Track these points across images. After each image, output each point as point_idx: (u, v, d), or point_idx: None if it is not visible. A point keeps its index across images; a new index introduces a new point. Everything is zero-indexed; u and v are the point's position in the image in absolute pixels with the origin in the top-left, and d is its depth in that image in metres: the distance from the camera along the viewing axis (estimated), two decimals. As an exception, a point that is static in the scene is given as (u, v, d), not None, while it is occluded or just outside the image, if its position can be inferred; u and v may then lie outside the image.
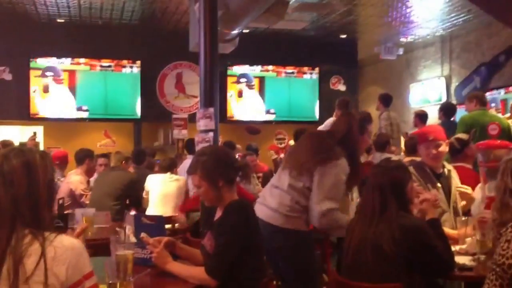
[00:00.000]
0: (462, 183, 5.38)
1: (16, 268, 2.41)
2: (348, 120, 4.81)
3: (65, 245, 2.53)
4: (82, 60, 15.12)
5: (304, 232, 4.67)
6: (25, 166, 2.58)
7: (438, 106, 11.23)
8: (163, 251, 3.83)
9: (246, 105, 16.57)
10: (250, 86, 16.55)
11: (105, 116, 15.40)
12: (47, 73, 14.76)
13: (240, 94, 16.47)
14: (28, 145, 8.11)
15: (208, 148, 4.85)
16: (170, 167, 8.52)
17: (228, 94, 16.29)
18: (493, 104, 12.84)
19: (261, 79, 16.71)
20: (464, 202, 5.22)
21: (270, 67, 16.69)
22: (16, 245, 2.46)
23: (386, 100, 11.43)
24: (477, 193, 5.34)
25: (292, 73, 16.87)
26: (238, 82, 16.43)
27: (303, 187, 4.60)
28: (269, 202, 4.65)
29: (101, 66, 15.27)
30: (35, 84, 14.65)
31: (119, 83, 15.39)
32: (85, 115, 15.15)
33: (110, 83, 15.27)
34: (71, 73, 15.07)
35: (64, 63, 14.95)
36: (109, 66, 15.32)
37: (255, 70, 16.62)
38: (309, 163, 4.57)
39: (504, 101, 12.94)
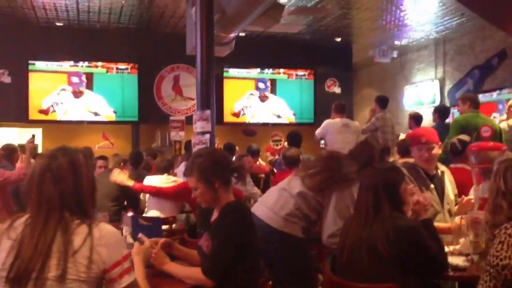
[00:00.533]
0: (462, 184, 5.38)
1: (65, 244, 2.70)
2: (370, 150, 4.90)
3: (108, 229, 2.85)
4: (99, 63, 15.23)
5: (298, 238, 4.68)
6: (70, 164, 2.87)
7: (432, 108, 11.26)
8: (160, 252, 3.82)
9: (266, 107, 16.72)
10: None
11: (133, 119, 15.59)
12: (73, 78, 14.83)
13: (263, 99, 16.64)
14: (26, 146, 8.07)
15: (204, 150, 4.83)
16: (166, 168, 8.51)
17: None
18: (500, 106, 12.83)
19: (273, 82, 16.78)
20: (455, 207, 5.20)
21: (281, 70, 16.76)
22: (65, 226, 2.75)
23: (382, 102, 11.45)
24: (472, 194, 5.34)
25: (304, 75, 16.91)
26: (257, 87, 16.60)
27: (312, 197, 4.63)
28: (270, 203, 4.66)
29: (117, 68, 15.30)
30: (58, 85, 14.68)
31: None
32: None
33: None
34: (89, 76, 15.20)
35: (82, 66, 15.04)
36: (126, 69, 15.36)
37: (267, 73, 16.68)
38: (329, 183, 4.61)
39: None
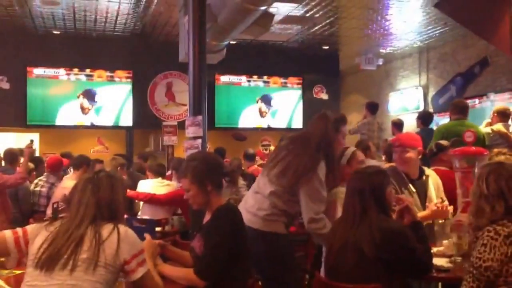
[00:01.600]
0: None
1: (95, 235, 3.08)
2: (324, 122, 4.77)
3: (128, 228, 3.23)
4: (95, 70, 15.29)
5: (282, 235, 4.63)
6: (109, 179, 3.35)
7: (416, 114, 11.27)
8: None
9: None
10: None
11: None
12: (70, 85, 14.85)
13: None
14: (25, 152, 8.10)
15: (199, 154, 4.85)
16: (160, 171, 8.48)
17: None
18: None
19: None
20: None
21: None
22: (96, 225, 3.14)
23: (372, 108, 11.47)
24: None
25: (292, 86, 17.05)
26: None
27: (283, 192, 4.59)
28: (249, 206, 4.62)
29: (112, 75, 15.36)
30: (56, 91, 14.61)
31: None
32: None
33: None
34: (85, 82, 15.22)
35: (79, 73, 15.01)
36: (120, 75, 15.36)
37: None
38: (293, 179, 4.57)
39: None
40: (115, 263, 3.07)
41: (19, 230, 3.23)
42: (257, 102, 16.67)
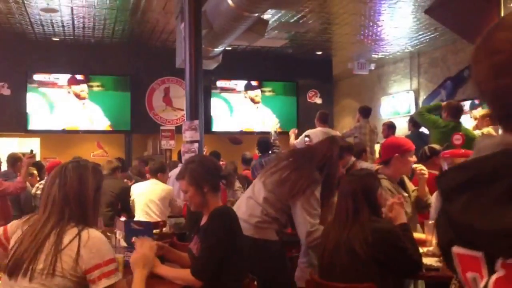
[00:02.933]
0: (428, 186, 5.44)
1: (56, 242, 2.91)
2: (331, 146, 4.77)
3: (96, 235, 3.01)
4: (94, 76, 15.21)
5: (273, 242, 4.62)
6: (77, 173, 3.12)
7: (408, 118, 11.28)
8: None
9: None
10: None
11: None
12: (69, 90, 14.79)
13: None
14: (24, 162, 8.15)
15: (197, 157, 4.88)
16: (157, 170, 8.44)
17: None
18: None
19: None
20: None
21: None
22: (60, 228, 2.97)
23: (364, 112, 11.47)
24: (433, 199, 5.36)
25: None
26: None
27: (276, 199, 4.59)
28: (241, 213, 4.60)
29: (111, 81, 15.26)
30: (55, 97, 14.59)
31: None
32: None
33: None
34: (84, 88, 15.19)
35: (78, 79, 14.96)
36: (119, 81, 15.30)
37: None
38: (289, 194, 4.57)
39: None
40: (75, 272, 2.90)
41: (0, 229, 3.17)
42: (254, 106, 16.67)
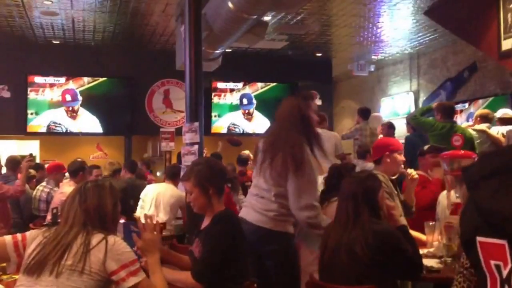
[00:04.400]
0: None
1: (85, 242, 3.11)
2: (295, 104, 4.69)
3: (119, 239, 3.23)
4: (94, 78, 15.19)
5: (292, 234, 4.61)
6: (96, 189, 3.35)
7: (407, 119, 11.28)
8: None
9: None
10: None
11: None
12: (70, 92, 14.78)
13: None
14: (23, 165, 8.16)
15: (203, 159, 4.89)
16: (175, 175, 8.39)
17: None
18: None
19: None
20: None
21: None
22: (87, 232, 3.17)
23: (364, 113, 11.47)
24: (443, 199, 5.39)
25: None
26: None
27: (285, 191, 4.48)
28: (257, 208, 4.56)
29: (111, 83, 15.24)
30: (55, 98, 14.58)
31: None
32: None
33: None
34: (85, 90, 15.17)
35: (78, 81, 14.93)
36: (119, 83, 15.28)
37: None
38: (284, 173, 4.47)
39: None
40: (101, 272, 3.07)
41: (18, 235, 3.27)
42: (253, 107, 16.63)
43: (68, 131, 14.92)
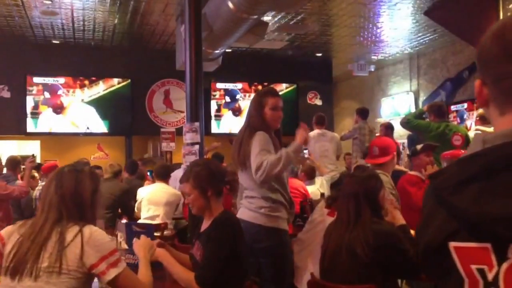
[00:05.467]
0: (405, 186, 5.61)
1: (59, 240, 2.96)
2: (251, 104, 4.80)
3: (96, 229, 3.08)
4: (94, 78, 15.12)
5: (284, 230, 4.64)
6: (73, 175, 3.19)
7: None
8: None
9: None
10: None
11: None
12: (70, 93, 14.71)
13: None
14: (26, 166, 8.19)
15: (202, 160, 4.89)
16: (165, 174, 8.45)
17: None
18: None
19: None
20: None
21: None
22: (61, 227, 3.02)
23: (362, 113, 11.45)
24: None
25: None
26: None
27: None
28: (250, 206, 4.59)
29: (112, 83, 15.23)
30: (56, 99, 14.57)
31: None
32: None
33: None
34: (85, 91, 15.10)
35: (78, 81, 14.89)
36: (119, 83, 15.29)
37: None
38: (241, 157, 4.57)
39: None
40: (80, 268, 2.95)
41: None
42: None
43: (69, 126, 14.94)
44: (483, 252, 1.26)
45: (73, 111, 14.90)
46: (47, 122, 14.66)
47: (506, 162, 1.27)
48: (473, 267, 1.28)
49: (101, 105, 15.15)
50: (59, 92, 14.78)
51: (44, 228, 3.01)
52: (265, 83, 16.44)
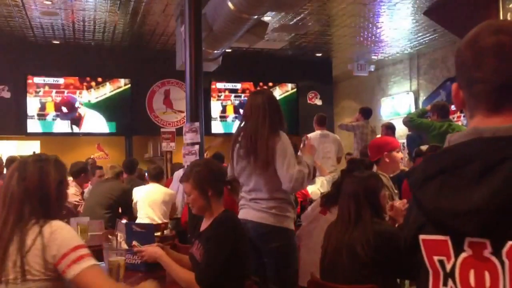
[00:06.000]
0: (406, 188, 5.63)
1: (19, 246, 2.75)
2: (260, 108, 4.65)
3: (59, 225, 2.86)
4: (94, 78, 15.12)
5: (292, 231, 4.66)
6: (37, 166, 2.97)
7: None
8: (151, 248, 3.86)
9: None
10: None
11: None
12: (70, 93, 14.71)
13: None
14: None
15: (202, 160, 4.89)
16: (158, 176, 8.49)
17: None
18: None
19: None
20: None
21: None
22: (21, 228, 2.81)
23: (366, 113, 11.45)
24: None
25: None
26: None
27: (274, 184, 4.54)
28: (257, 206, 4.58)
29: (111, 83, 15.22)
30: (56, 99, 14.56)
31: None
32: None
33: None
34: (85, 91, 15.06)
35: (79, 81, 14.88)
36: (119, 84, 15.27)
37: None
38: (267, 158, 4.49)
39: None
40: (48, 270, 2.77)
41: None
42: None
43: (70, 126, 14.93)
44: (443, 244, 1.35)
45: (74, 110, 14.90)
46: (46, 122, 14.65)
47: (463, 159, 1.34)
48: (435, 258, 1.37)
49: (108, 106, 15.15)
50: (59, 92, 14.77)
51: (5, 229, 2.81)
52: (270, 83, 16.45)
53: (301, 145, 4.88)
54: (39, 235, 2.78)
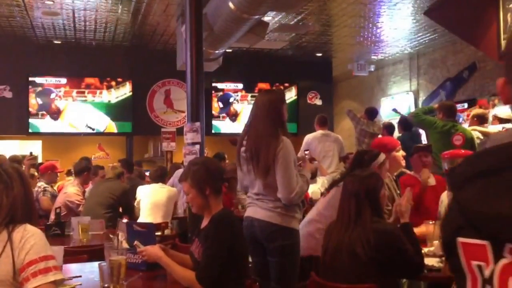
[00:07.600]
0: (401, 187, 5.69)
1: None
2: (267, 102, 4.71)
3: (30, 230, 2.67)
4: (95, 78, 15.12)
5: (297, 231, 4.66)
6: (18, 173, 2.83)
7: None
8: (151, 249, 3.86)
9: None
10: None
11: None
12: (71, 93, 14.70)
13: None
14: (25, 164, 8.17)
15: (200, 159, 4.86)
16: (160, 177, 8.49)
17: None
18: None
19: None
20: None
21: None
22: None
23: (370, 114, 11.41)
24: (446, 198, 5.38)
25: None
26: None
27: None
28: (264, 205, 4.59)
29: (112, 83, 15.23)
30: (56, 99, 14.56)
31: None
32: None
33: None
34: (86, 90, 15.17)
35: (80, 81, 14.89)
36: (120, 83, 15.29)
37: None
38: (267, 164, 4.51)
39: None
40: (16, 280, 2.58)
41: None
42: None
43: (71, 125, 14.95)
44: (482, 249, 1.28)
45: (75, 110, 14.91)
46: (48, 122, 14.67)
47: (508, 161, 1.27)
48: (473, 263, 1.29)
49: (101, 104, 15.16)
50: (60, 92, 14.78)
51: None
52: (265, 83, 16.46)
53: (302, 162, 4.87)
54: (8, 242, 2.60)
